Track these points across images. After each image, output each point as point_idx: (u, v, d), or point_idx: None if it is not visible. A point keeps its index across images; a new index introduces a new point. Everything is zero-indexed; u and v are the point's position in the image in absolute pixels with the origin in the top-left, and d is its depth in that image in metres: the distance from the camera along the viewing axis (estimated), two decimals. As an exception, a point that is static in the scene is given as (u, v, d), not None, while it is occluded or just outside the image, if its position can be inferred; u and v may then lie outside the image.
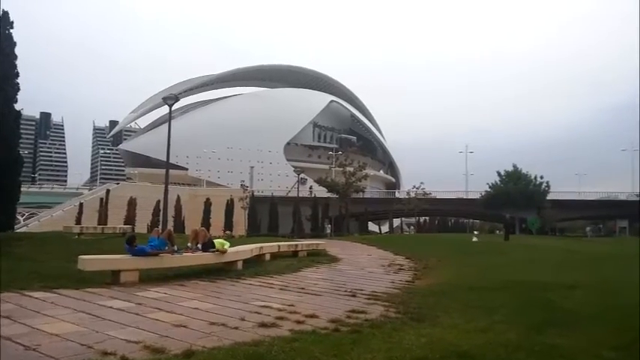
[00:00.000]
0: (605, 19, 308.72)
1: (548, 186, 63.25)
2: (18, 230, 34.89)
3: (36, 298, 7.71)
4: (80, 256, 9.95)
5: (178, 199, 59.28)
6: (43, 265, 11.86)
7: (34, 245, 18.11)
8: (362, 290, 9.70)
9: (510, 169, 65.15)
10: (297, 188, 53.91)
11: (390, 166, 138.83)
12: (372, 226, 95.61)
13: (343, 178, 59.85)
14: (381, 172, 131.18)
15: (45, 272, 10.21)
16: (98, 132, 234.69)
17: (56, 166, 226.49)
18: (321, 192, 67.07)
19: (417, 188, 65.20)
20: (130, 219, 52.52)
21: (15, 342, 5.07)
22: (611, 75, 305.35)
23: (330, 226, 59.57)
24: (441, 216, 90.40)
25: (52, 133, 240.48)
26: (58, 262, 12.25)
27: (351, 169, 59.58)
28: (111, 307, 7.14)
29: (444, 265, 14.85)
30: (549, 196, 63.59)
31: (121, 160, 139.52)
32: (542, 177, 63.54)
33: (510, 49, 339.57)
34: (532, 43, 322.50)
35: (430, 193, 67.94)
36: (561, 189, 74.70)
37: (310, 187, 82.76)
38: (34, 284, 8.68)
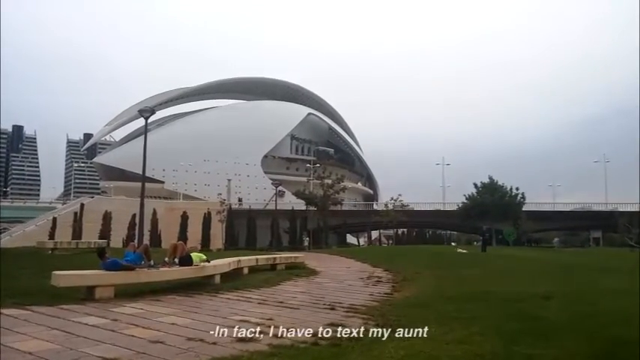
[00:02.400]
0: (582, 35, 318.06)
1: (523, 197, 64.35)
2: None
3: (8, 315, 7.51)
4: (54, 272, 9.74)
5: (154, 213, 58.72)
6: (16, 281, 11.58)
7: (7, 261, 17.66)
8: (341, 303, 9.71)
9: (487, 180, 66.15)
10: (275, 201, 54.89)
11: (368, 178, 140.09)
12: (351, 239, 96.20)
13: (321, 190, 60.38)
14: (359, 184, 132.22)
15: (18, 288, 9.97)
16: (72, 145, 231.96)
17: (29, 179, 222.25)
18: (299, 204, 67.34)
19: (394, 200, 65.84)
20: (105, 233, 52.18)
21: (-15, 361, 4.94)
22: (586, 88, 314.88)
23: (308, 238, 59.77)
24: (418, 228, 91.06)
25: (24, 147, 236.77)
26: (32, 278, 11.99)
27: (329, 182, 60.23)
28: (86, 324, 7.01)
29: (422, 277, 14.94)
30: (525, 207, 64.71)
31: (96, 174, 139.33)
32: (517, 188, 64.66)
33: (486, 62, 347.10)
34: (507, 57, 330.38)
35: (408, 205, 68.74)
36: (537, 200, 76.40)
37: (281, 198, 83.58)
38: (7, 301, 8.45)
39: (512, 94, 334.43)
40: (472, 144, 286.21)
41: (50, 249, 27.74)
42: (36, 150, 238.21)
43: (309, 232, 62.85)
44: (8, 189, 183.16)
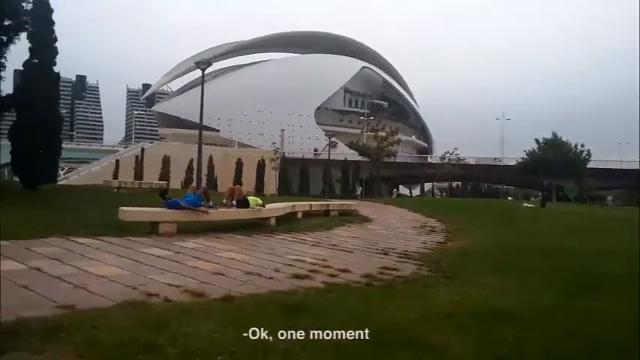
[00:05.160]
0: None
1: (589, 154, 61.24)
2: (60, 182, 36.45)
3: (81, 243, 8.07)
4: (121, 208, 10.34)
5: (211, 159, 60.14)
6: (86, 214, 12.34)
7: (77, 196, 18.84)
8: (393, 249, 9.76)
9: (550, 137, 63.14)
10: (328, 150, 53.26)
11: (423, 132, 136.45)
12: (403, 190, 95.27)
13: (375, 142, 59.74)
14: (413, 137, 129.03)
15: (88, 221, 10.64)
16: (132, 94, 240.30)
17: (92, 125, 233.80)
18: (352, 156, 67.23)
19: (450, 153, 64.47)
20: (164, 176, 54.15)
21: (64, 281, 5.36)
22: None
23: (360, 188, 59.26)
24: (474, 181, 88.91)
25: (87, 94, 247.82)
26: (100, 212, 12.68)
27: (383, 134, 59.44)
28: (151, 254, 7.43)
29: (477, 230, 14.66)
30: (590, 165, 61.66)
31: (155, 121, 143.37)
32: (582, 145, 61.49)
33: (553, 19, 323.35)
34: (577, 14, 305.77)
35: (464, 159, 66.93)
36: (603, 158, 72.45)
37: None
38: (79, 231, 9.08)
39: (582, 49, 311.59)
40: (535, 99, 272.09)
41: (115, 187, 29.55)
42: (98, 98, 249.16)
43: (362, 181, 62.38)
44: (74, 133, 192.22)
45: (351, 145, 65.45)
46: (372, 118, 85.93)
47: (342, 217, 17.50)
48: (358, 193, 55.99)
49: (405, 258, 8.69)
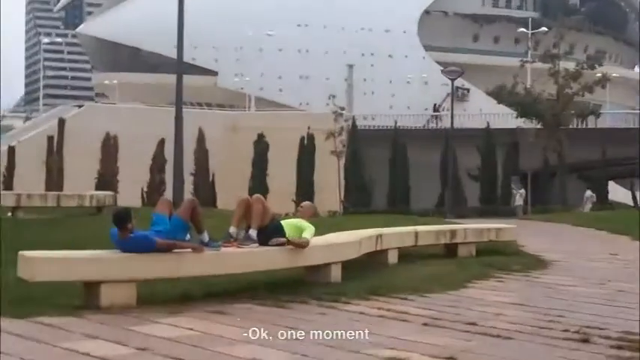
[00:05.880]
0: None
1: None
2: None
3: None
4: (21, 252, 5.44)
5: (201, 136, 34.56)
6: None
7: None
8: (603, 329, 5.04)
9: None
10: (451, 109, 30.90)
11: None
12: (618, 193, 45.74)
13: (553, 84, 34.17)
14: (637, 69, 73.57)
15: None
16: (38, 9, 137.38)
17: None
18: (501, 119, 39.52)
19: None
20: (108, 177, 31.76)
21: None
22: None
23: (521, 192, 33.55)
24: None
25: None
26: None
27: (573, 67, 33.72)
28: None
29: None
30: None
31: (84, 59, 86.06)
32: None
33: None
34: None
35: None
36: None
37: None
38: None
39: None
40: None
41: (10, 208, 16.28)
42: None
43: (526, 177, 34.74)
44: None
45: (498, 95, 39.27)
46: (545, 29, 47.06)
47: (485, 256, 10.50)
48: (517, 203, 32.91)
49: (627, 349, 4.24)
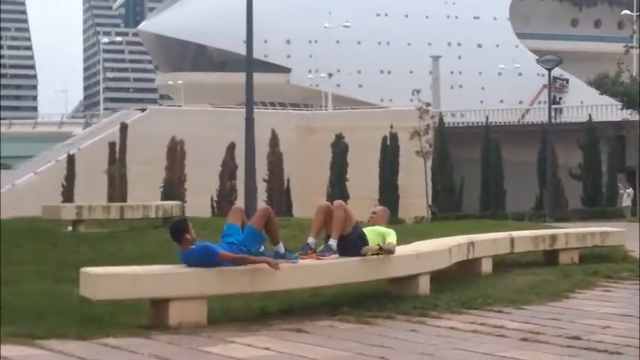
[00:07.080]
0: None
1: None
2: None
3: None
4: (83, 269, 5.16)
5: (274, 140, 32.83)
6: (19, 288, 6.47)
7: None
8: None
9: None
10: (549, 103, 28.60)
11: None
12: None
13: None
14: None
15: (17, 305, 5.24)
16: (97, 7, 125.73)
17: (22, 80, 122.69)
18: (606, 110, 37.11)
19: None
20: (174, 185, 30.00)
21: None
22: None
23: (631, 191, 30.53)
24: None
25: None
26: (39, 282, 7.00)
27: None
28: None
29: None
30: None
31: (146, 60, 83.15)
32: None
33: None
34: None
35: None
36: None
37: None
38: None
39: None
40: None
41: (70, 222, 14.99)
42: (27, 28, 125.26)
43: (633, 175, 32.65)
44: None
45: (600, 84, 33.89)
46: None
47: (590, 264, 9.68)
48: (625, 203, 29.72)
49: None
